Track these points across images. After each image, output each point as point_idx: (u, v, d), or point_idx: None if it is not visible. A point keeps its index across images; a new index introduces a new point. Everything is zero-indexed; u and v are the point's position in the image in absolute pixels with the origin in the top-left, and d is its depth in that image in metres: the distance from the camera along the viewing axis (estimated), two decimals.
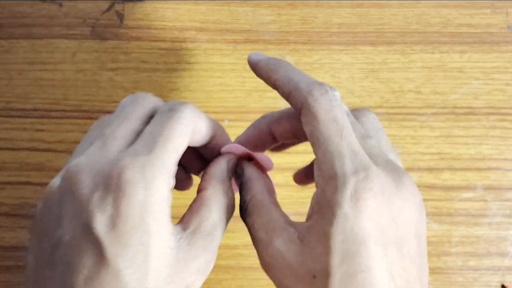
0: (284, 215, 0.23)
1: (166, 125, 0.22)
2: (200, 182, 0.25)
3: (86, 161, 0.21)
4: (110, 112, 0.41)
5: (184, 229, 0.22)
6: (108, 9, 0.43)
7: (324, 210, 0.20)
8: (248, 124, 0.28)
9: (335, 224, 0.20)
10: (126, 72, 0.42)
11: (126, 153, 0.21)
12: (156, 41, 0.42)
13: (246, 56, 0.43)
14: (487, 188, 0.40)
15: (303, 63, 0.42)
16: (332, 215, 0.20)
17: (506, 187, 0.40)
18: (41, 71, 0.42)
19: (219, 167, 0.25)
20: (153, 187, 0.20)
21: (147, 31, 0.43)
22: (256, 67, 0.27)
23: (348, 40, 0.43)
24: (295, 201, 0.39)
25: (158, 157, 0.21)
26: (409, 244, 0.21)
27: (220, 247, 0.37)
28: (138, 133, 0.23)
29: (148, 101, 0.25)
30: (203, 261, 0.22)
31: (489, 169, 0.40)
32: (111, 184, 0.20)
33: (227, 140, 0.27)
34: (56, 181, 0.22)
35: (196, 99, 0.41)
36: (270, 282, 0.22)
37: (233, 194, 0.25)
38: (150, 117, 0.24)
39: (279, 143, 0.28)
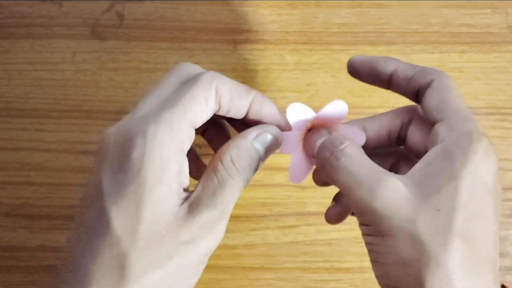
0: None
1: (183, 90, 0.23)
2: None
3: (114, 128, 0.23)
4: (110, 112, 0.41)
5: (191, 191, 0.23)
6: (108, 9, 0.43)
7: (455, 156, 0.22)
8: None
9: (468, 167, 0.22)
10: (126, 72, 0.42)
11: (139, 117, 0.23)
12: (156, 41, 0.42)
13: (246, 56, 0.43)
14: None
15: (303, 63, 0.42)
16: (465, 160, 0.22)
17: (506, 187, 0.40)
18: (41, 71, 0.42)
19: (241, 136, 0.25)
20: (152, 143, 0.21)
21: (147, 31, 0.43)
22: (367, 64, 0.29)
23: (348, 40, 0.43)
24: (295, 201, 0.39)
25: (165, 116, 0.22)
26: (498, 218, 0.23)
27: (220, 247, 0.37)
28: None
29: (185, 69, 0.25)
30: (207, 218, 0.22)
31: None
32: (118, 146, 0.22)
33: (272, 111, 0.26)
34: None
35: None
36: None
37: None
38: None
39: None
